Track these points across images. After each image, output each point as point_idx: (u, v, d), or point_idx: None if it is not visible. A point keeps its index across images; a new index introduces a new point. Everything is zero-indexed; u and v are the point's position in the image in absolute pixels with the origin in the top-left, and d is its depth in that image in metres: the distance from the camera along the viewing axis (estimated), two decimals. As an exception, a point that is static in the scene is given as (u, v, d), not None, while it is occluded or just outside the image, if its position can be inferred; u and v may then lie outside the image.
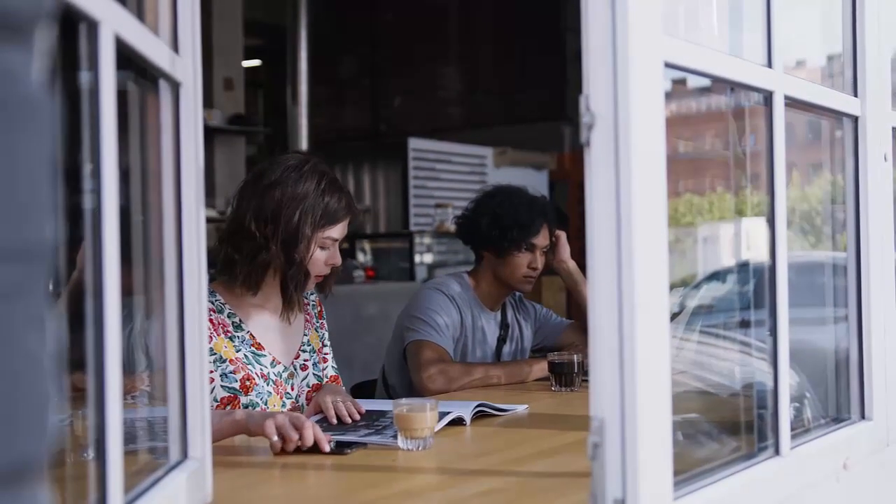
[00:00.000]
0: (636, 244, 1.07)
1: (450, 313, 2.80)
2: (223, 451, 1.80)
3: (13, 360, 0.60)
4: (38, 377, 0.62)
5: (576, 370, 2.55)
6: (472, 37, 9.07)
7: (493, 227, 2.84)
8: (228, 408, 2.10)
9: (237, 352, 2.16)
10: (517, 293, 3.03)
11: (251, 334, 2.21)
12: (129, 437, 1.02)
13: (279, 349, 2.25)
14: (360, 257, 6.96)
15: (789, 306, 1.44)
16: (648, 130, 1.10)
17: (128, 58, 1.05)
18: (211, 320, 2.14)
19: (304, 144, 7.32)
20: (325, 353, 2.40)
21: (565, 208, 6.30)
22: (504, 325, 2.99)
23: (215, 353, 2.12)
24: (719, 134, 1.81)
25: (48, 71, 0.65)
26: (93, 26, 0.92)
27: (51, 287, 0.66)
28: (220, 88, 7.09)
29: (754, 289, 1.65)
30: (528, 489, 1.56)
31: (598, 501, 1.08)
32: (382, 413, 2.08)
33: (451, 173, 7.59)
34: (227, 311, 2.20)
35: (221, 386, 2.12)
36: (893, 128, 1.81)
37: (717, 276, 2.18)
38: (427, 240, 6.94)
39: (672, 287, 1.17)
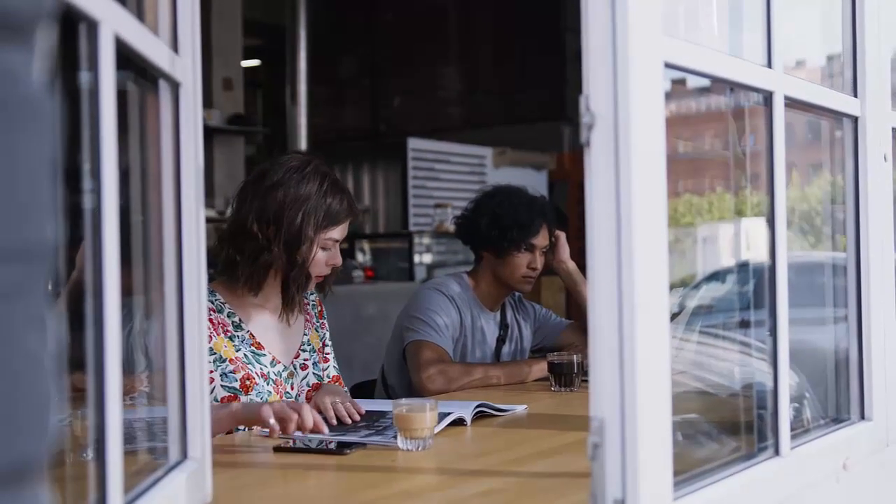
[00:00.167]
0: (636, 244, 1.07)
1: (449, 313, 2.80)
2: (223, 451, 1.80)
3: (13, 360, 0.60)
4: (38, 377, 0.62)
5: (575, 370, 2.55)
6: (472, 37, 9.07)
7: (492, 227, 2.84)
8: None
9: (237, 351, 2.16)
10: (517, 293, 3.03)
11: (251, 334, 2.21)
12: (129, 438, 1.02)
13: (279, 349, 2.26)
14: (360, 257, 6.96)
15: (789, 306, 1.44)
16: (648, 130, 1.10)
17: (127, 58, 1.05)
18: (210, 320, 2.14)
19: (303, 144, 7.32)
20: (327, 353, 2.40)
21: (565, 208, 6.30)
22: (503, 326, 2.99)
23: (215, 353, 2.12)
24: (719, 134, 1.81)
25: (49, 71, 0.65)
26: (93, 26, 0.92)
27: (50, 287, 0.66)
28: (219, 88, 7.09)
29: (754, 289, 1.65)
30: (528, 489, 1.56)
31: (598, 502, 1.08)
32: (382, 413, 2.08)
33: (450, 173, 7.59)
34: (226, 311, 2.20)
35: (221, 385, 2.12)
36: (893, 128, 1.81)
37: (716, 276, 2.18)
38: (426, 240, 6.94)
39: (672, 287, 1.16)
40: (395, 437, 1.81)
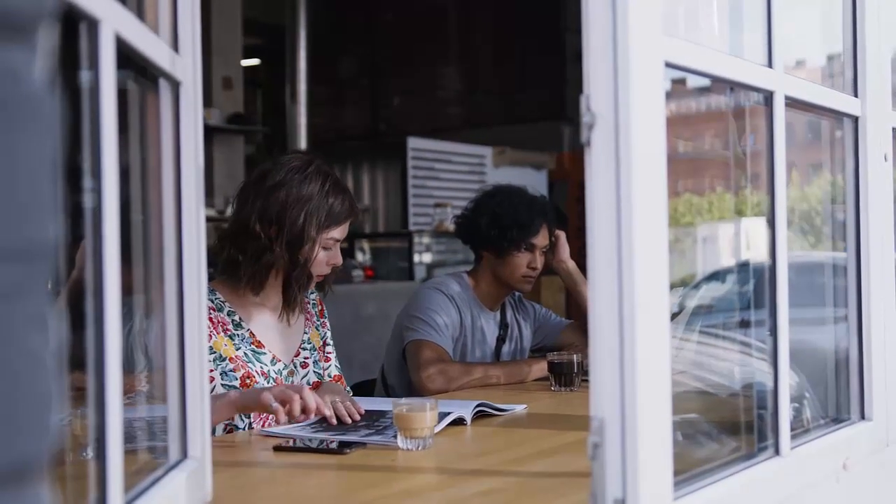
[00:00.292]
0: (636, 244, 1.07)
1: (449, 313, 2.80)
2: (223, 450, 1.80)
3: (15, 360, 0.60)
4: (39, 377, 0.62)
5: (575, 370, 2.55)
6: (471, 37, 9.07)
7: (492, 226, 2.84)
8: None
9: (237, 350, 2.17)
10: (516, 293, 3.03)
11: (251, 332, 2.21)
12: (129, 437, 1.02)
13: (279, 347, 2.26)
14: (360, 257, 6.96)
15: (789, 306, 1.43)
16: (649, 130, 1.10)
17: (128, 57, 1.05)
18: (210, 318, 2.14)
19: (303, 144, 7.32)
20: (328, 353, 2.41)
21: (564, 208, 6.31)
22: (503, 325, 2.99)
23: (215, 352, 2.13)
24: (719, 134, 1.81)
25: (50, 70, 0.65)
26: (93, 25, 0.91)
27: (50, 286, 0.66)
28: (218, 87, 7.09)
29: (754, 289, 1.65)
30: (528, 489, 1.56)
31: (598, 501, 1.08)
32: (382, 413, 2.08)
33: (450, 173, 7.59)
34: (226, 309, 2.20)
35: (221, 384, 2.12)
36: (893, 128, 1.81)
37: (716, 276, 2.18)
38: (426, 239, 6.94)
39: (672, 287, 1.16)
40: (395, 436, 1.81)
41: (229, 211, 2.32)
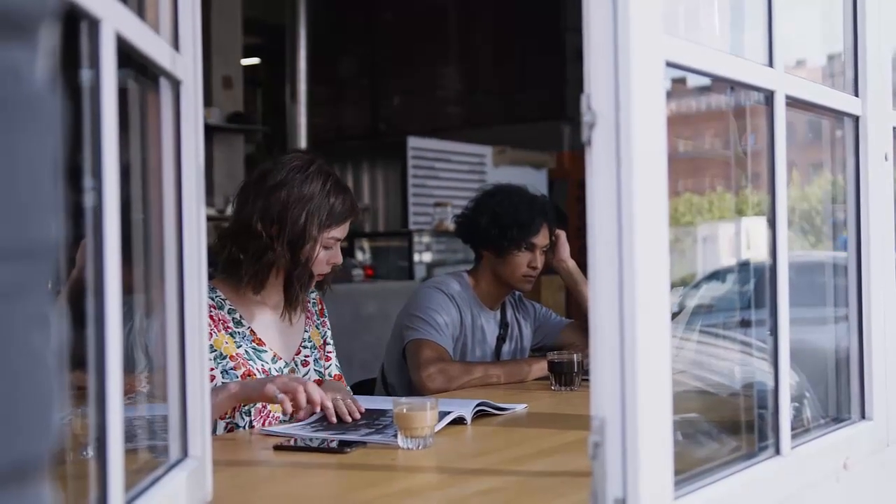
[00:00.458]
0: (637, 243, 1.07)
1: (449, 312, 2.80)
2: (224, 449, 1.80)
3: (16, 359, 0.60)
4: (41, 376, 0.62)
5: (575, 369, 2.55)
6: (471, 37, 9.07)
7: (492, 226, 2.84)
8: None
9: (238, 348, 2.17)
10: (517, 292, 3.03)
11: (252, 330, 2.21)
12: (129, 436, 1.02)
13: (280, 345, 2.26)
14: (360, 256, 6.97)
15: (790, 306, 1.43)
16: (649, 129, 1.10)
17: (128, 56, 1.05)
18: (211, 317, 2.14)
19: (303, 143, 7.33)
20: (329, 352, 2.41)
21: (564, 207, 6.31)
22: (503, 325, 2.99)
23: (216, 350, 2.13)
24: (720, 133, 1.81)
25: (51, 69, 0.65)
26: (94, 24, 0.91)
27: (50, 285, 0.66)
28: (218, 87, 7.09)
29: (754, 288, 1.65)
30: (528, 489, 1.56)
31: (599, 501, 1.08)
32: (382, 412, 2.08)
33: (450, 172, 7.59)
34: (227, 308, 2.20)
35: (222, 382, 2.12)
36: (894, 127, 1.81)
37: (716, 275, 2.18)
38: (426, 239, 6.94)
39: (672, 286, 1.16)
40: (395, 435, 1.81)
41: (229, 210, 2.33)
